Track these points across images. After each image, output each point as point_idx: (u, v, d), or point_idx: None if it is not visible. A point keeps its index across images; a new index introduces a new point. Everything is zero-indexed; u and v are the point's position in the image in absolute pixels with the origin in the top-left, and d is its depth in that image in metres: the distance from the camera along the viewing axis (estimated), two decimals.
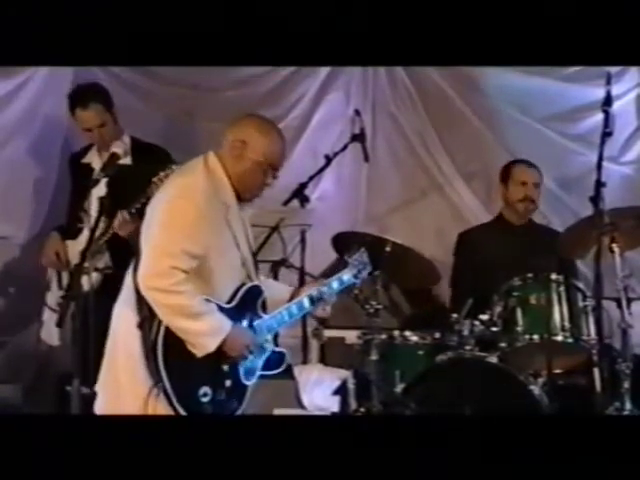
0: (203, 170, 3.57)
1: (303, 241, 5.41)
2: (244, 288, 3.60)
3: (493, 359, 4.68)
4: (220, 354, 3.47)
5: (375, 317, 4.88)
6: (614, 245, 4.51)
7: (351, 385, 4.83)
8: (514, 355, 4.70)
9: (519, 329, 4.73)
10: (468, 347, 4.74)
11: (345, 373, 4.87)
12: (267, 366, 3.67)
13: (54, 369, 5.12)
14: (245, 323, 3.61)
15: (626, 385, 4.43)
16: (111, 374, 3.52)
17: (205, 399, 3.43)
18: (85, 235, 4.54)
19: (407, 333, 4.97)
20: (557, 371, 4.73)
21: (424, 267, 5.14)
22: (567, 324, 4.69)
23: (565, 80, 5.75)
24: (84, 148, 5.03)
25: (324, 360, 5.34)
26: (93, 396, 3.57)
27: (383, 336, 4.88)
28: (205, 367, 3.46)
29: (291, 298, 3.77)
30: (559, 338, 4.67)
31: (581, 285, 4.81)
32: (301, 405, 4.40)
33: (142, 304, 3.45)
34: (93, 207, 4.54)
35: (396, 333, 4.97)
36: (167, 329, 3.42)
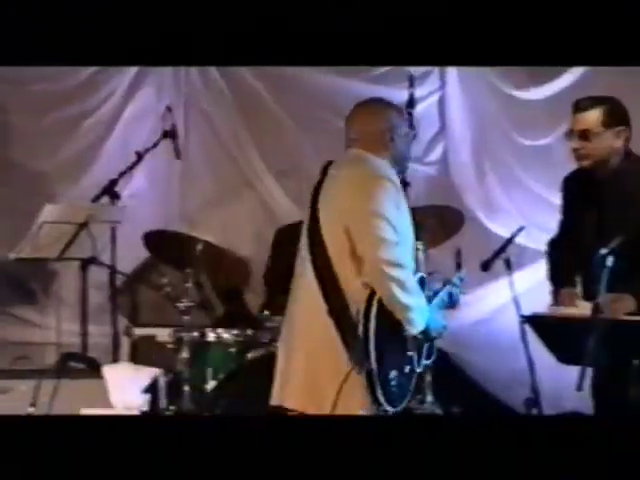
0: (368, 163, 3.66)
1: (114, 238, 5.33)
2: (416, 277, 3.67)
3: None
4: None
5: (187, 315, 4.88)
6: (418, 243, 4.66)
7: (162, 384, 4.81)
8: None
9: None
10: None
11: (156, 371, 4.84)
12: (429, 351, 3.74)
13: None
14: None
15: (428, 378, 4.61)
16: (303, 360, 3.58)
17: (393, 382, 3.50)
18: None
19: (219, 331, 4.98)
20: None
21: (236, 265, 5.19)
22: None
23: (372, 82, 5.88)
24: None
25: (135, 359, 5.30)
26: None
27: (195, 334, 4.89)
28: (398, 351, 3.55)
29: None
30: None
31: None
32: (110, 404, 4.35)
33: (329, 293, 3.52)
34: None
35: (208, 331, 4.98)
36: (378, 313, 3.47)
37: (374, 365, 3.45)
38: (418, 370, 3.66)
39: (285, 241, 5.46)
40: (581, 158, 3.87)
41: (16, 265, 5.45)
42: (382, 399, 3.48)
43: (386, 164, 3.66)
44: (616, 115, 3.86)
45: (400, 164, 3.75)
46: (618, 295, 3.63)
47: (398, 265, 3.50)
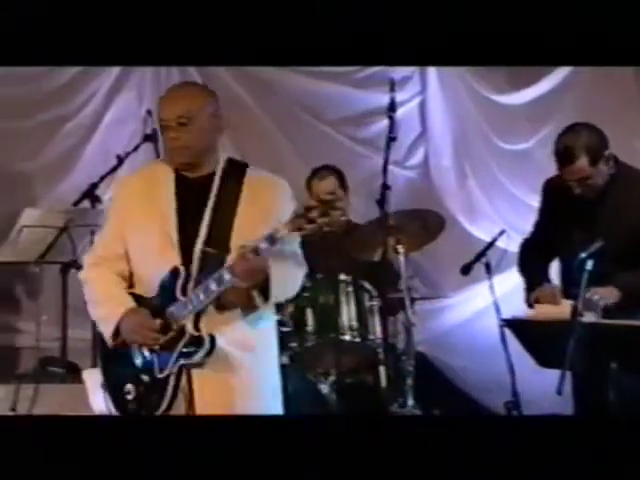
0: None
1: (94, 242, 5.31)
2: (165, 274, 3.32)
3: (284, 359, 4.74)
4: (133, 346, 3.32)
5: None
6: (399, 247, 4.68)
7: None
8: (304, 355, 4.79)
9: (309, 329, 4.81)
10: None
11: None
12: (183, 354, 3.28)
13: None
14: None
15: (409, 382, 4.62)
16: None
17: (129, 397, 3.29)
18: None
19: None
20: (345, 370, 4.85)
21: None
22: (355, 323, 4.80)
23: (354, 85, 5.90)
24: None
25: None
26: None
27: None
28: (124, 363, 3.31)
29: None
30: (347, 337, 4.79)
31: (368, 285, 4.94)
32: (90, 409, 4.33)
33: None
34: None
35: None
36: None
37: (105, 384, 3.36)
38: (162, 375, 3.27)
39: None
40: (584, 193, 3.89)
41: None
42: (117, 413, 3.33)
43: (141, 170, 3.59)
44: (598, 148, 3.85)
45: (170, 158, 3.44)
46: (605, 287, 3.70)
47: (85, 280, 3.41)
